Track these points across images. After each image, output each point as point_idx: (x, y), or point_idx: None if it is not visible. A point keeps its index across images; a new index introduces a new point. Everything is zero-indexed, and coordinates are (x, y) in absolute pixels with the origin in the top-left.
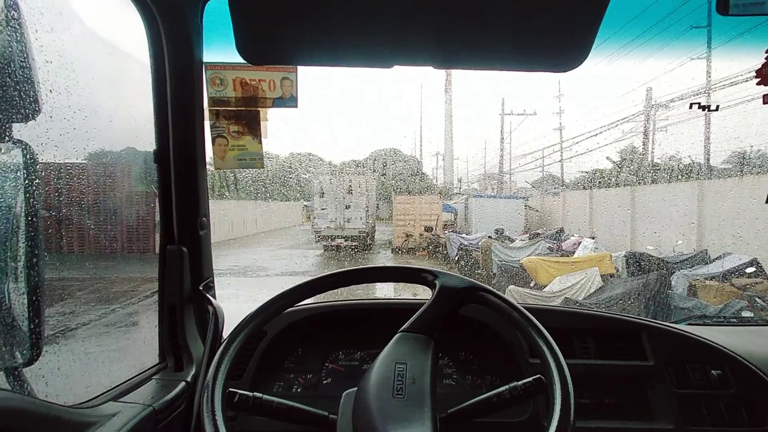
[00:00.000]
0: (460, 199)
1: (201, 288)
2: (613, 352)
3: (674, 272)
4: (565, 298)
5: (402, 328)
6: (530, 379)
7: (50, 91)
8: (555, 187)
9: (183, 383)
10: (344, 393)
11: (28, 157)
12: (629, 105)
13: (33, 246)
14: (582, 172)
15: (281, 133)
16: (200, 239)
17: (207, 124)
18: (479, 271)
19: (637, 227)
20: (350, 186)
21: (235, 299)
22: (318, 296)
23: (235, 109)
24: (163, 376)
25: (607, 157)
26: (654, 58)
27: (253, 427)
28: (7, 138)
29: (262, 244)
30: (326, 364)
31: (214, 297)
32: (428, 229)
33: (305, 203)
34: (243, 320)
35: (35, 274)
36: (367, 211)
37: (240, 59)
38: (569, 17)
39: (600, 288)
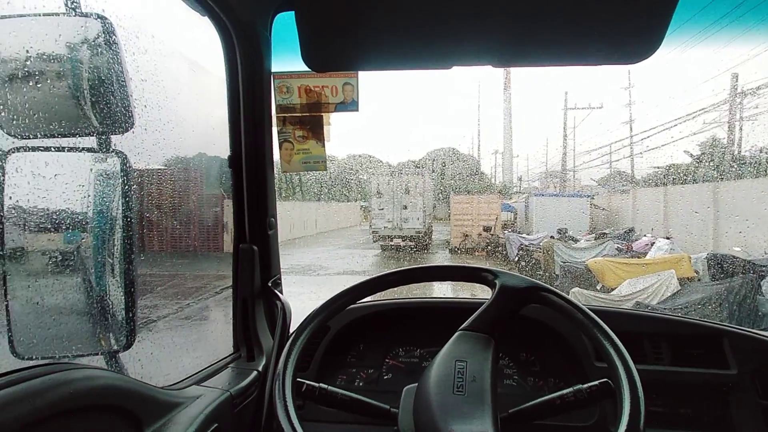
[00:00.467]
0: (520, 198)
1: (270, 284)
2: (691, 359)
3: (766, 276)
4: (636, 302)
5: (462, 326)
6: (596, 382)
7: (144, 106)
8: (624, 184)
9: (255, 372)
10: (405, 388)
11: (124, 165)
12: (710, 94)
13: (129, 244)
14: (655, 167)
15: (340, 136)
16: (269, 238)
17: (275, 130)
18: (540, 273)
19: (720, 227)
20: (407, 186)
21: (297, 296)
22: (378, 294)
23: (300, 114)
24: (237, 364)
25: (685, 151)
26: (738, 42)
27: (319, 416)
28: (107, 149)
29: (321, 244)
30: (386, 360)
31: (281, 293)
32: (487, 229)
33: (363, 204)
34: (309, 315)
35: (130, 269)
36: (424, 211)
37: (305, 68)
38: (639, 3)
39: (676, 292)
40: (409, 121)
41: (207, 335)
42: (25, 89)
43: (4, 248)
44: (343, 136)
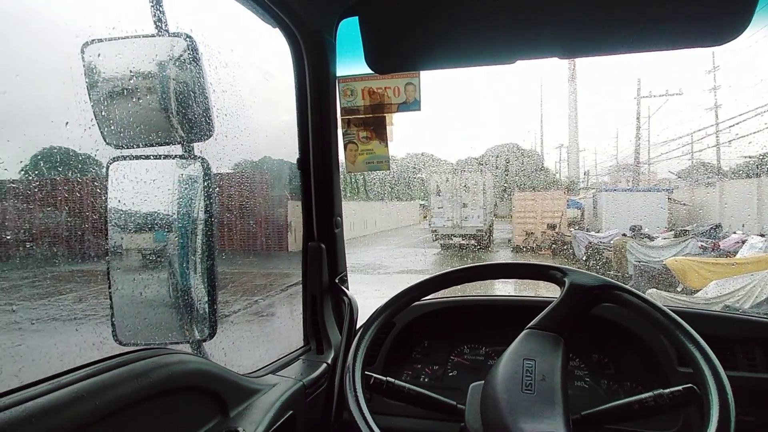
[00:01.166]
0: (588, 194)
1: (337, 281)
2: None
3: None
4: (725, 305)
5: (529, 325)
6: (680, 387)
7: (225, 114)
8: (709, 177)
9: (325, 364)
10: (471, 385)
11: (206, 170)
12: None
13: (210, 243)
14: (746, 157)
15: (400, 136)
16: (335, 237)
17: (340, 132)
18: (612, 273)
19: None
20: (467, 184)
21: (359, 294)
22: (442, 291)
23: (363, 116)
24: (308, 357)
25: None
26: None
27: (385, 409)
28: (191, 155)
29: (381, 243)
30: (451, 357)
31: (347, 289)
32: (551, 226)
33: (422, 203)
34: (375, 311)
35: (212, 266)
36: (485, 209)
37: (368, 70)
38: None
39: None
40: (469, 118)
41: (277, 329)
42: (123, 105)
43: (108, 247)
44: (402, 135)
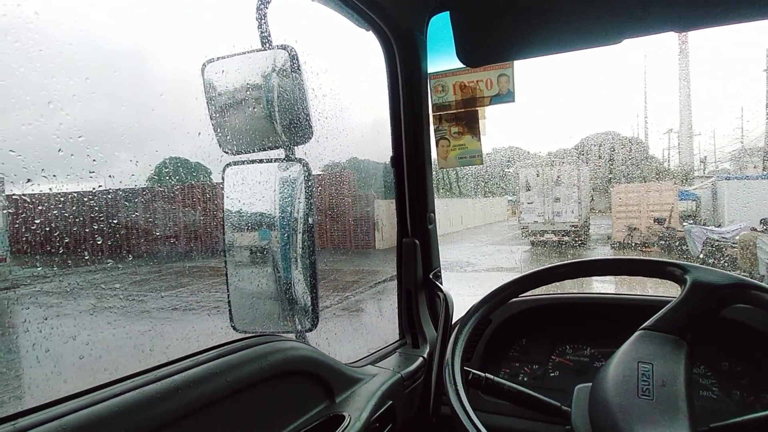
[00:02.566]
0: (704, 184)
1: (431, 276)
2: None
3: None
4: None
5: (644, 325)
6: None
7: (326, 118)
8: None
9: (421, 358)
10: (576, 387)
11: (306, 171)
12: None
13: (311, 240)
14: None
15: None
16: (429, 233)
17: (431, 128)
18: (738, 272)
19: None
20: (559, 177)
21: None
22: (540, 288)
23: (455, 111)
24: (404, 350)
25: None
26: None
27: (482, 406)
28: (293, 158)
29: (467, 240)
30: (553, 357)
31: (442, 285)
32: (659, 220)
33: (510, 198)
34: (472, 307)
35: (313, 262)
36: (580, 203)
37: (459, 65)
38: None
39: None
40: (560, 107)
41: (368, 324)
42: (235, 115)
43: (225, 244)
44: (488, 130)
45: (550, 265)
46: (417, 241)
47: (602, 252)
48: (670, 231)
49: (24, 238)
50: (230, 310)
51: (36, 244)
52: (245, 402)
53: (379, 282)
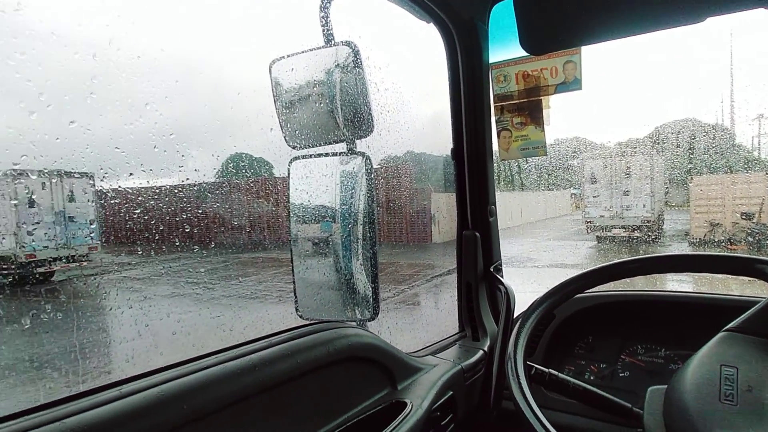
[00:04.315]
0: None
1: (492, 269)
2: None
3: None
4: None
5: (729, 326)
6: None
7: (388, 111)
8: None
9: (481, 351)
10: (650, 389)
11: (367, 164)
12: None
13: (371, 232)
14: None
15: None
16: (490, 225)
17: (493, 120)
18: None
19: None
20: (629, 169)
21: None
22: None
23: (518, 101)
24: (464, 343)
25: None
26: None
27: (545, 403)
28: (354, 151)
29: (526, 235)
30: (623, 357)
31: (503, 278)
32: (747, 216)
33: (573, 191)
34: (535, 301)
35: (374, 254)
36: (653, 196)
37: (521, 53)
38: None
39: None
40: (630, 95)
41: (426, 316)
42: (300, 111)
43: (291, 236)
44: (551, 120)
45: (621, 260)
46: (477, 234)
47: (678, 249)
48: (760, 227)
49: (112, 229)
50: (295, 298)
51: (122, 234)
52: (313, 383)
53: (435, 276)
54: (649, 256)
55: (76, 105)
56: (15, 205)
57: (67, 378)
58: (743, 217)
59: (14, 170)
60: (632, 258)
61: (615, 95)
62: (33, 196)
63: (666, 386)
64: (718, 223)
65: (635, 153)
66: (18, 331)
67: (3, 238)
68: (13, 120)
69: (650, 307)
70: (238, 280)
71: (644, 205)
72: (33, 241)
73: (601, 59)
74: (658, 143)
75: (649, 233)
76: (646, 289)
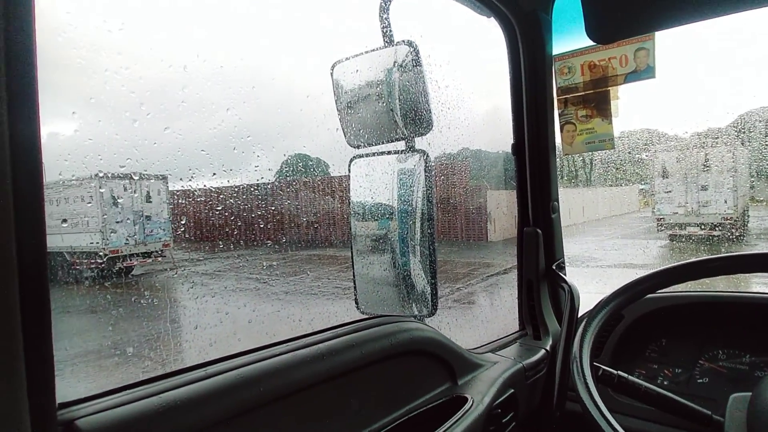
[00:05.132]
0: None
1: (554, 267)
2: None
3: None
4: None
5: None
6: None
7: (448, 108)
8: None
9: (543, 351)
10: (732, 396)
11: (426, 162)
12: None
13: (430, 230)
14: None
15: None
16: (552, 222)
17: (556, 113)
18: None
19: None
20: (706, 161)
21: None
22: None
23: (583, 93)
24: (525, 341)
25: None
26: None
27: (612, 406)
28: (413, 149)
29: (589, 233)
30: (701, 362)
31: (566, 276)
32: None
33: (641, 187)
34: (603, 300)
35: (432, 250)
36: (735, 191)
37: (588, 43)
38: None
39: None
40: (709, 81)
41: (483, 314)
42: (360, 111)
43: (351, 233)
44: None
45: (699, 258)
46: (539, 231)
47: (766, 249)
48: None
49: (183, 227)
50: (355, 293)
51: (191, 232)
52: (376, 374)
53: (492, 275)
54: (732, 254)
55: (170, 113)
56: (101, 205)
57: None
58: None
59: (101, 173)
60: (712, 256)
61: (691, 82)
62: (116, 198)
63: (751, 393)
64: None
65: (716, 144)
66: (108, 318)
67: (92, 236)
68: (120, 127)
69: (732, 310)
70: (296, 277)
71: (725, 201)
72: (116, 238)
73: (675, 43)
74: (744, 132)
75: (732, 231)
76: (728, 290)
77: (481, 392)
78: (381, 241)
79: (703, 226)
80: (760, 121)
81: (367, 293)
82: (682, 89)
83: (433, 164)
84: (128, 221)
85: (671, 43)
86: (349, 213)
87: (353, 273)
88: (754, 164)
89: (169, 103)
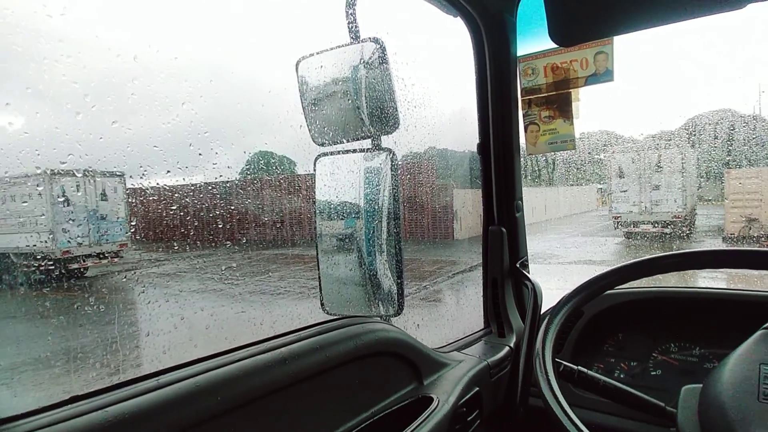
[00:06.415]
0: None
1: (518, 265)
2: None
3: None
4: None
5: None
6: None
7: (415, 107)
8: None
9: (507, 348)
10: (684, 388)
11: (392, 160)
12: None
13: (396, 229)
14: None
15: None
16: (516, 221)
17: (520, 114)
18: None
19: None
20: (659, 162)
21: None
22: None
23: (546, 94)
24: (489, 339)
25: None
26: None
27: (573, 401)
28: (379, 147)
29: (550, 231)
30: (654, 355)
31: (529, 274)
32: None
33: (599, 186)
34: (564, 297)
35: (398, 249)
36: (684, 190)
37: (551, 45)
38: None
39: None
40: (663, 85)
41: (449, 312)
42: (325, 108)
43: (316, 232)
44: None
45: (654, 256)
46: (504, 229)
47: (712, 245)
48: None
49: (140, 226)
50: (321, 294)
51: (149, 231)
52: (341, 377)
53: (457, 272)
54: (684, 251)
55: (118, 105)
56: (52, 204)
57: (98, 369)
58: None
59: (51, 170)
60: (666, 253)
61: (645, 86)
62: (68, 196)
63: (701, 385)
64: (755, 218)
65: (668, 146)
66: (59, 323)
67: (41, 236)
68: (60, 120)
69: (683, 305)
70: (261, 277)
71: (675, 200)
72: (68, 238)
73: (632, 48)
74: (694, 135)
75: (681, 229)
76: (679, 286)
77: (446, 392)
78: (347, 240)
79: (655, 224)
80: (709, 124)
81: (333, 293)
82: (639, 93)
83: (399, 163)
84: (82, 220)
85: (629, 48)
86: (315, 212)
87: (318, 273)
88: (703, 165)
89: (117, 96)
